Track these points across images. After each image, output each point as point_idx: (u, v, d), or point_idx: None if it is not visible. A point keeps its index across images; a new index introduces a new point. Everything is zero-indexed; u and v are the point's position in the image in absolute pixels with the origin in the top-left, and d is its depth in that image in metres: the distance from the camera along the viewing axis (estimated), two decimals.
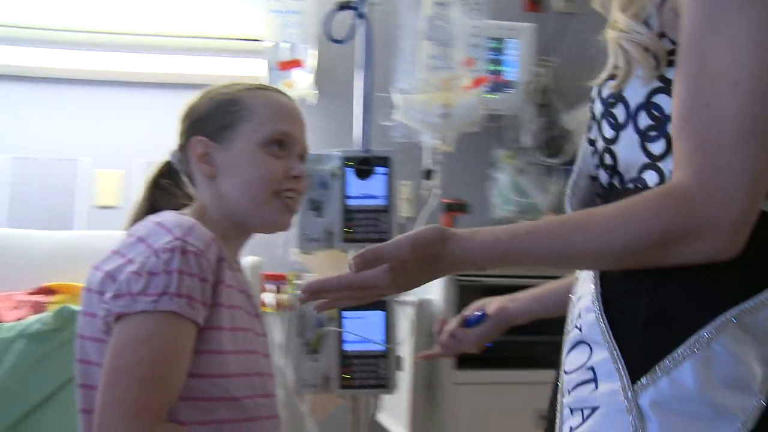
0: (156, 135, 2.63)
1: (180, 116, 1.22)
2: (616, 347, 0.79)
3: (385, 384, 1.68)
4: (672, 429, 0.74)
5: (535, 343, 2.16)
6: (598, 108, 0.90)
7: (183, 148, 1.20)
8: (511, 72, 2.47)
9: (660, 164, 0.82)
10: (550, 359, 2.12)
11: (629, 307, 0.80)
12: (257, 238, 1.24)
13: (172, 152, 1.23)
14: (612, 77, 0.86)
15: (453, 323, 1.35)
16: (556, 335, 2.19)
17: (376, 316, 1.67)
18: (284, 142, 1.17)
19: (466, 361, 1.98)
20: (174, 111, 1.23)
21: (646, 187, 0.83)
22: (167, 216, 1.08)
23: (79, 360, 1.07)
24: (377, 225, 1.69)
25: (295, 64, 1.86)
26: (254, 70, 2.56)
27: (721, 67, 0.72)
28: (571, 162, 2.51)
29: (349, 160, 1.68)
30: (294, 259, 1.78)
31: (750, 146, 0.72)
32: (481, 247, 0.81)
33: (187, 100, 1.22)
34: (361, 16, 1.72)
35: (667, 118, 0.80)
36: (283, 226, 1.19)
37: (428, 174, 2.04)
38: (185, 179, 1.22)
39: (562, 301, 1.21)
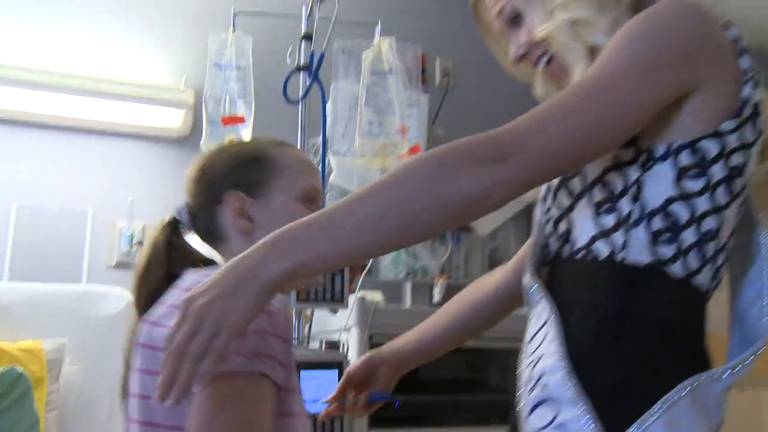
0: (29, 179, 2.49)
1: (194, 174, 1.19)
2: (589, 404, 0.82)
3: None
4: None
5: (445, 402, 2.27)
6: (555, 180, 0.99)
7: (202, 205, 1.16)
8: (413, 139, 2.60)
9: (610, 237, 0.90)
10: (457, 418, 2.23)
11: (595, 368, 0.86)
12: None
13: (180, 209, 1.19)
14: None
15: (363, 398, 1.27)
16: (463, 394, 2.32)
17: (331, 375, 1.67)
18: (314, 196, 1.19)
19: (378, 421, 2.01)
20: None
21: (596, 257, 0.91)
22: None
23: (142, 422, 0.99)
24: (332, 286, 1.70)
25: (239, 120, 1.84)
26: (172, 120, 2.49)
27: (595, 72, 0.84)
28: (461, 228, 2.68)
29: None
30: None
31: (566, 125, 0.81)
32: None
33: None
34: (316, 79, 1.77)
35: (619, 195, 0.90)
36: (322, 282, 1.19)
37: None
38: (195, 236, 1.19)
39: (443, 343, 1.27)
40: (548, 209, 1.01)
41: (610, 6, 0.96)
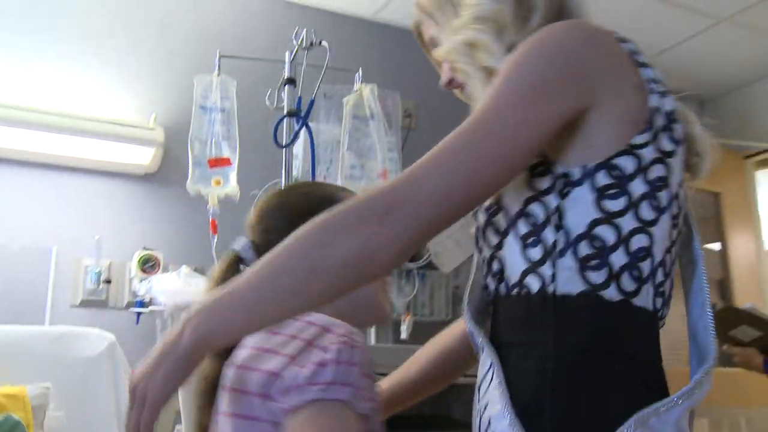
0: None
1: (263, 211, 1.16)
2: None
3: None
4: None
5: None
6: (482, 218, 0.97)
7: (273, 242, 1.11)
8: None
9: (539, 269, 0.87)
10: None
11: (539, 411, 0.84)
12: None
13: (244, 246, 1.13)
14: None
15: None
16: (428, 431, 2.35)
17: None
18: None
19: None
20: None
21: (529, 293, 0.88)
22: (308, 315, 1.00)
23: None
24: None
25: (224, 162, 1.86)
26: (140, 158, 2.48)
27: (481, 109, 0.83)
28: (426, 266, 2.75)
29: None
30: None
31: (444, 172, 0.79)
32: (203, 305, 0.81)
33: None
34: (306, 125, 1.80)
35: (542, 225, 0.87)
36: (390, 319, 1.19)
37: None
38: None
39: (415, 392, 1.25)
40: (480, 249, 0.99)
41: (510, 31, 0.95)
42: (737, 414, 3.30)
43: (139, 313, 2.39)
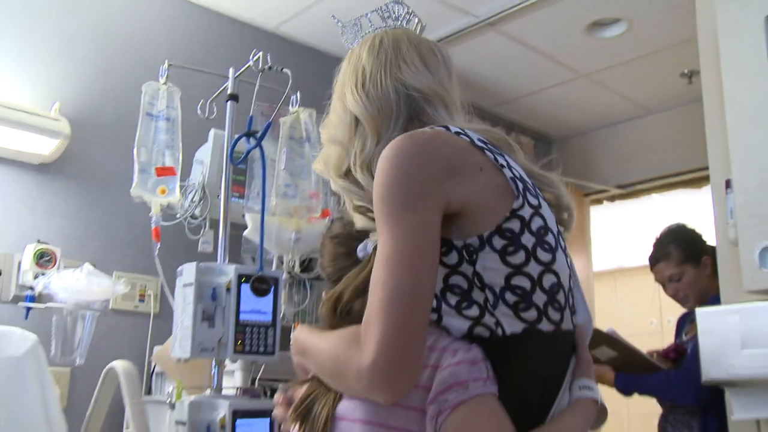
0: None
1: None
2: None
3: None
4: None
5: None
6: None
7: None
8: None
9: (483, 321, 0.96)
10: None
11: None
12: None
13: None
14: None
15: None
16: None
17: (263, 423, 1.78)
18: None
19: None
20: None
21: (481, 337, 0.96)
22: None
23: None
24: (265, 339, 1.81)
25: (170, 171, 1.87)
26: (39, 147, 2.38)
27: (383, 251, 0.93)
28: (316, 277, 2.88)
29: (245, 277, 1.79)
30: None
31: (387, 304, 0.89)
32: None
33: None
34: (259, 145, 1.88)
35: (469, 290, 0.97)
36: None
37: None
38: None
39: None
40: None
41: (355, 152, 1.08)
42: None
43: (28, 308, 2.31)
